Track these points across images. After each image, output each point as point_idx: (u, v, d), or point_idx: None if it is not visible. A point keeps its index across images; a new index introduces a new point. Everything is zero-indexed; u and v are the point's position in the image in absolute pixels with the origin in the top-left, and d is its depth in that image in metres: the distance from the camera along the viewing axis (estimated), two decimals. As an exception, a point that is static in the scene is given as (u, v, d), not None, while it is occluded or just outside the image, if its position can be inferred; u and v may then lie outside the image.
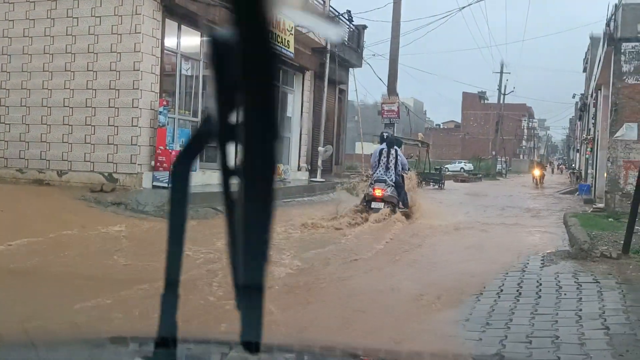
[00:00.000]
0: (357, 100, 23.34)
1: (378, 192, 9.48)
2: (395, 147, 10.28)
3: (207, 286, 4.67)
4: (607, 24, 12.97)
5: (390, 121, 18.69)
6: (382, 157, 10.04)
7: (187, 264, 5.08)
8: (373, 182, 9.80)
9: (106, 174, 10.01)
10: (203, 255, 5.67)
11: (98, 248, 6.26)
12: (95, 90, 10.16)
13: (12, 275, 4.97)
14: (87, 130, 10.17)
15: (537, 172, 27.48)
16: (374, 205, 9.39)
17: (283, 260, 5.83)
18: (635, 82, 11.88)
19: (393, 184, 9.74)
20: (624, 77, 11.93)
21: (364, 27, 19.17)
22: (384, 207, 9.36)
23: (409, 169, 11.19)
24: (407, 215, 9.68)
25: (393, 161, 9.97)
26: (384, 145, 10.21)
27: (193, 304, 4.05)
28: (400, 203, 9.80)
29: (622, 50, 11.92)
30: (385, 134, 11.29)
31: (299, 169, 16.10)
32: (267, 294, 0.64)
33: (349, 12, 17.65)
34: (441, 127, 78.79)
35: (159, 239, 7.13)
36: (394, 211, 9.41)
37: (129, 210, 8.49)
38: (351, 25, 18.20)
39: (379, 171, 9.88)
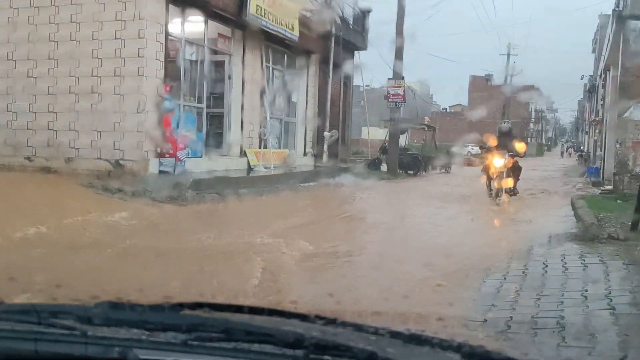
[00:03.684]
0: (363, 84, 23.21)
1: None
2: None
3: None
4: (616, 3, 12.79)
5: (396, 105, 18.60)
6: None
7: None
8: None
9: (113, 161, 10.05)
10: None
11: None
12: (100, 77, 10.17)
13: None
14: (93, 118, 10.20)
15: (497, 162, 10.54)
16: None
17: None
18: (645, 61, 11.76)
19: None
20: (633, 57, 11.80)
21: (369, 10, 19.01)
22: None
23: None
24: None
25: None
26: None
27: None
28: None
29: (632, 29, 11.78)
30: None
31: (304, 154, 16.09)
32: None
33: (353, -5, 17.49)
34: (448, 110, 78.37)
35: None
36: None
37: (135, 197, 8.53)
38: (356, 8, 18.05)
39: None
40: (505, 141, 10.43)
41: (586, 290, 4.36)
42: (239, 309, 1.07)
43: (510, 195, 10.29)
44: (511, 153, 10.25)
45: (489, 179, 10.43)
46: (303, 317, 1.03)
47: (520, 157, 10.70)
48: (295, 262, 5.33)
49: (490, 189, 10.39)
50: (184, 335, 0.94)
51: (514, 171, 10.36)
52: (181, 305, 1.10)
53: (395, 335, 0.97)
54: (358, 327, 1.01)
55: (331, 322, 1.01)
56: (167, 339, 0.95)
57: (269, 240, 6.03)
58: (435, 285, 4.56)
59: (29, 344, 0.92)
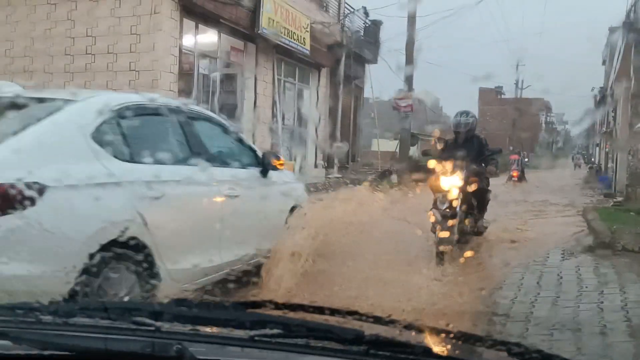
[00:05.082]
0: (373, 96, 23.31)
1: None
2: None
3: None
4: (627, 15, 12.82)
5: (405, 116, 18.67)
6: None
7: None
8: None
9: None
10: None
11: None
12: (115, 90, 10.31)
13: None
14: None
15: (443, 183, 5.86)
16: None
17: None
18: (656, 73, 11.74)
19: None
20: (645, 69, 11.79)
21: (380, 22, 19.15)
22: None
23: None
24: None
25: None
26: None
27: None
28: None
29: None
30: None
31: (315, 165, 16.16)
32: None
33: (364, 8, 17.65)
34: (458, 122, 78.06)
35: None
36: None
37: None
38: (367, 21, 18.19)
39: None
40: (463, 147, 6.06)
41: (602, 302, 4.36)
42: (299, 307, 1.13)
43: (476, 234, 6.39)
44: (474, 167, 5.92)
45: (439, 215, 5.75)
46: (361, 316, 1.07)
47: (491, 176, 6.44)
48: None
49: (436, 233, 5.66)
50: (250, 332, 0.99)
51: (478, 199, 6.16)
52: (245, 303, 1.15)
53: (458, 336, 1.01)
54: (413, 327, 1.06)
55: (390, 322, 1.06)
56: (234, 335, 1.01)
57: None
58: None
59: (100, 339, 0.98)
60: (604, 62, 30.73)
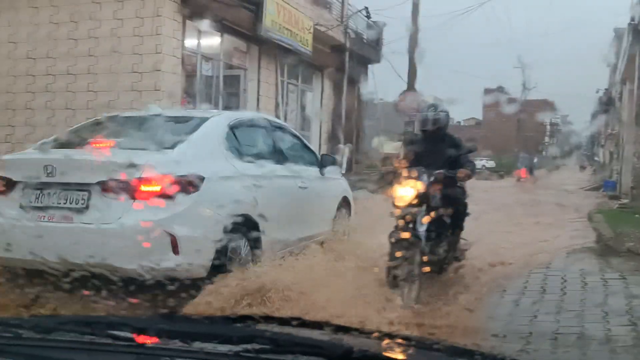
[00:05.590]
0: (377, 98, 23.27)
1: None
2: None
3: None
4: (632, 16, 12.75)
5: (409, 118, 18.61)
6: None
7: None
8: None
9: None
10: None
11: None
12: (118, 92, 10.31)
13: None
14: (110, 132, 10.31)
15: (402, 194, 4.53)
16: None
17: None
18: (661, 75, 11.66)
19: None
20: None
21: (383, 24, 19.11)
22: None
23: None
24: None
25: None
26: None
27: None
28: None
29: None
30: None
31: (318, 167, 16.13)
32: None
33: (366, 9, 17.62)
34: (462, 124, 78.18)
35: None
36: None
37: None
38: (369, 22, 18.16)
39: None
40: (431, 149, 4.93)
41: (606, 306, 4.31)
42: (286, 321, 1.09)
43: (455, 259, 5.06)
44: (439, 172, 4.67)
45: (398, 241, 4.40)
46: (351, 330, 1.04)
47: (463, 179, 4.87)
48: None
49: (390, 272, 4.27)
50: (236, 347, 0.96)
51: (451, 215, 4.87)
52: (231, 318, 1.12)
53: (448, 350, 0.98)
54: (409, 341, 1.02)
55: (384, 335, 1.03)
56: (219, 350, 0.97)
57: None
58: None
59: (83, 355, 0.95)
60: (608, 64, 30.61)
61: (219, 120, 4.98)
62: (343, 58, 16.28)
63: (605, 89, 32.73)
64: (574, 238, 7.87)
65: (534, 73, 58.39)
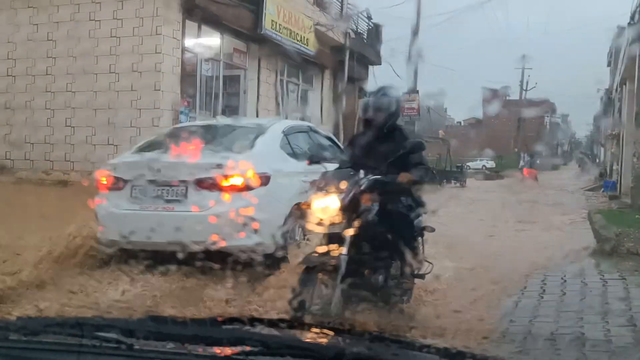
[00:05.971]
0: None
1: None
2: None
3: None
4: (632, 16, 12.73)
5: (410, 119, 18.61)
6: None
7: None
8: None
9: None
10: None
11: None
12: (117, 91, 10.30)
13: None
14: (110, 131, 10.32)
15: (317, 207, 3.65)
16: None
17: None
18: (662, 75, 11.64)
19: None
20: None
21: (381, 25, 19.11)
22: None
23: None
24: None
25: None
26: None
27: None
28: None
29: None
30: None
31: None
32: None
33: (367, 10, 17.62)
34: (462, 124, 78.13)
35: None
36: None
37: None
38: (370, 23, 18.16)
39: None
40: (373, 147, 4.05)
41: (606, 306, 4.30)
42: (275, 323, 1.08)
43: (401, 294, 3.99)
44: (377, 178, 3.71)
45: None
46: (344, 332, 1.03)
47: (406, 186, 3.83)
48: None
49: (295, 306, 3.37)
50: (225, 349, 0.95)
51: (394, 234, 3.84)
52: (220, 320, 1.11)
53: (439, 352, 0.97)
54: (401, 343, 1.01)
55: (376, 337, 1.01)
56: (209, 352, 0.96)
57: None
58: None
59: (72, 357, 0.94)
60: (609, 64, 30.58)
61: (276, 128, 6.10)
62: (343, 58, 16.27)
63: (606, 89, 32.72)
64: (573, 238, 7.86)
65: (535, 73, 58.46)
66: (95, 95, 10.45)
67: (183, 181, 5.04)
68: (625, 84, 15.81)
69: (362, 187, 3.62)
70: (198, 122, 7.29)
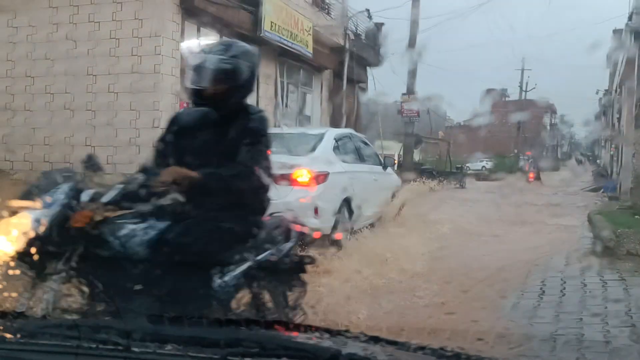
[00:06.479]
0: (377, 99, 23.26)
1: None
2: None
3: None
4: (630, 17, 12.74)
5: (410, 120, 18.61)
6: None
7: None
8: None
9: (128, 176, 10.11)
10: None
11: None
12: (117, 93, 10.30)
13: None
14: (109, 133, 10.31)
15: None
16: None
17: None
18: (661, 75, 11.65)
19: None
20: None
21: (382, 24, 19.13)
22: None
23: None
24: None
25: None
26: None
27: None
28: None
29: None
30: None
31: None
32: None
33: (367, 10, 17.63)
34: (462, 125, 78.07)
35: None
36: None
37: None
38: (369, 24, 18.17)
39: None
40: (199, 134, 2.79)
41: (606, 307, 4.29)
42: (274, 325, 1.07)
43: None
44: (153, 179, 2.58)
45: None
46: (340, 333, 1.02)
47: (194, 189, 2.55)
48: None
49: None
50: (223, 351, 0.94)
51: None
52: (218, 321, 1.10)
53: (435, 353, 0.96)
54: (398, 345, 1.00)
55: (372, 339, 1.01)
56: (206, 354, 0.96)
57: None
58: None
59: (70, 358, 0.93)
60: (608, 65, 30.59)
61: (330, 134, 7.63)
62: (343, 59, 16.28)
63: (605, 90, 32.74)
64: (573, 239, 7.86)
65: (534, 74, 58.53)
66: (94, 97, 10.44)
67: None
68: (624, 85, 15.82)
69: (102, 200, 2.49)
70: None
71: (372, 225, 7.68)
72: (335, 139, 7.48)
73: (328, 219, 6.40)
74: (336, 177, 6.71)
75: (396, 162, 16.10)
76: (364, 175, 7.61)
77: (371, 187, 7.74)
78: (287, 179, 6.24)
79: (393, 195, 8.83)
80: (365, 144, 8.58)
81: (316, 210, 6.25)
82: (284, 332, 1.08)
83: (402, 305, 4.28)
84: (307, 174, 6.39)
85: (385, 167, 8.60)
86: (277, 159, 5.46)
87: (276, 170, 5.12)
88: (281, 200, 5.85)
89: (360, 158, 7.94)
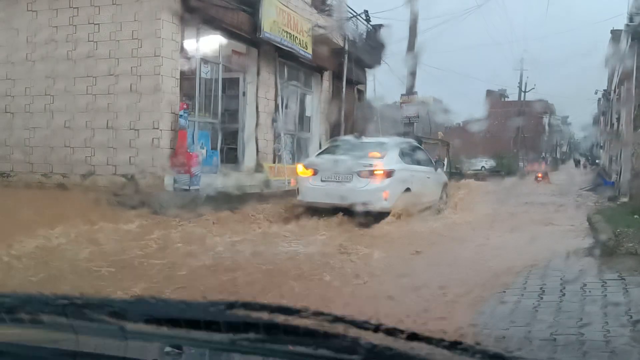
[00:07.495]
0: (377, 99, 23.27)
1: None
2: None
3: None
4: (631, 19, 12.75)
5: (409, 121, 18.62)
6: None
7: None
8: None
9: (128, 177, 10.15)
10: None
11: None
12: (116, 94, 10.31)
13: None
14: (109, 134, 10.32)
15: None
16: None
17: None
18: (660, 75, 11.66)
19: None
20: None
21: (381, 26, 19.12)
22: None
23: None
24: None
25: None
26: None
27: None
28: None
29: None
30: None
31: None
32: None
33: (366, 12, 17.63)
34: (461, 125, 77.99)
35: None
36: None
37: (152, 212, 8.56)
38: (369, 25, 18.17)
39: None
40: None
41: (605, 307, 4.30)
42: (285, 309, 1.04)
43: None
44: None
45: None
46: (347, 321, 1.01)
47: None
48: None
49: None
50: (231, 335, 0.92)
51: None
52: (225, 304, 1.08)
53: (452, 345, 0.95)
54: (415, 337, 0.98)
55: (389, 330, 0.99)
56: (211, 338, 0.93)
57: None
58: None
59: (70, 336, 0.90)
60: (607, 65, 30.58)
61: (395, 142, 10.47)
62: (342, 60, 16.28)
63: (604, 91, 32.75)
64: (572, 239, 7.86)
65: (534, 74, 58.57)
66: (94, 98, 10.45)
67: (349, 173, 9.19)
68: (623, 85, 15.84)
69: None
70: (346, 137, 12.16)
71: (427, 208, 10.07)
72: (399, 146, 10.21)
73: (393, 202, 9.07)
74: (399, 173, 9.36)
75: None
76: (419, 173, 10.18)
77: (425, 182, 10.23)
78: (367, 173, 9.11)
79: (444, 189, 11.54)
80: (421, 150, 11.53)
81: (386, 195, 8.99)
82: (292, 317, 1.07)
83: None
84: (380, 170, 9.16)
85: (436, 168, 11.41)
86: (361, 160, 9.23)
87: (361, 168, 9.09)
88: (364, 187, 9.15)
89: (417, 161, 10.54)
